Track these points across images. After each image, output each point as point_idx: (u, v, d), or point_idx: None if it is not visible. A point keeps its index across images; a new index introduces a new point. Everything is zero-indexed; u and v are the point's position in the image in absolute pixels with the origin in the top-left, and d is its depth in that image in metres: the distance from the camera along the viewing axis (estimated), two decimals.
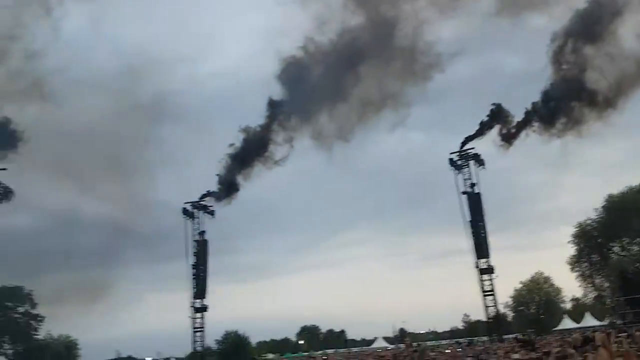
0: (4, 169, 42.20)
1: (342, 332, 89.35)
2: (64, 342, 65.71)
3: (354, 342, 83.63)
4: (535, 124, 49.79)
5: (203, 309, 49.79)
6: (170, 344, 73.82)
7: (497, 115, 50.51)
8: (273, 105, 52.04)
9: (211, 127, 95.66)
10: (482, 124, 50.25)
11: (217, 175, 52.73)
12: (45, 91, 50.13)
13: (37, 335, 62.96)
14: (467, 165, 49.51)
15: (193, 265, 50.16)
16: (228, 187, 52.71)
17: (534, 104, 49.46)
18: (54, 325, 64.48)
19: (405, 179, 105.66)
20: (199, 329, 49.78)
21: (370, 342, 79.52)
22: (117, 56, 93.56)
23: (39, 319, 62.27)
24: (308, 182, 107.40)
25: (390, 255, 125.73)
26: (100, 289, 69.26)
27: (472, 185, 48.86)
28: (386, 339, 75.07)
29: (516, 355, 11.11)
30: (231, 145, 52.47)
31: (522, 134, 50.21)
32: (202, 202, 51.85)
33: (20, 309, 62.09)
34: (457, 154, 49.91)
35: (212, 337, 65.02)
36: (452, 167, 49.55)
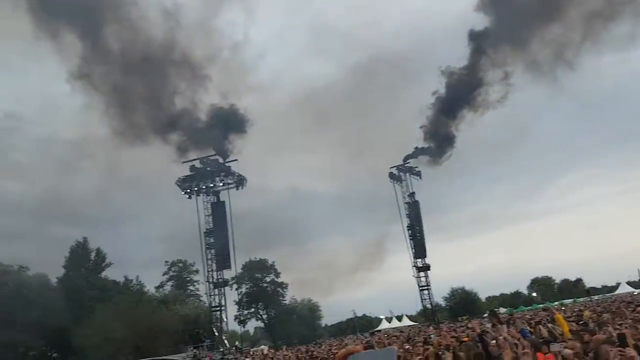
0: (235, 160, 45.65)
1: (579, 280, 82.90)
2: (307, 305, 73.75)
3: (595, 290, 76.89)
4: None
5: (426, 267, 50.73)
6: (400, 303, 77.78)
7: None
8: (476, 37, 46.17)
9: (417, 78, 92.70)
10: None
11: (421, 127, 50.45)
12: (256, 77, 53.22)
13: (284, 300, 71.90)
14: None
15: (408, 226, 51.34)
16: (438, 141, 50.20)
17: None
18: (297, 291, 72.98)
19: (632, 105, 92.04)
20: (424, 287, 51.17)
21: (613, 288, 72.65)
22: (314, 28, 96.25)
23: (283, 286, 70.89)
24: (523, 122, 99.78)
25: (623, 192, 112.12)
26: (333, 255, 75.87)
27: None
28: (630, 283, 67.58)
29: None
30: (434, 93, 49.31)
31: None
32: (407, 165, 51.71)
33: (267, 279, 71.35)
34: None
35: (439, 294, 66.60)
36: None
